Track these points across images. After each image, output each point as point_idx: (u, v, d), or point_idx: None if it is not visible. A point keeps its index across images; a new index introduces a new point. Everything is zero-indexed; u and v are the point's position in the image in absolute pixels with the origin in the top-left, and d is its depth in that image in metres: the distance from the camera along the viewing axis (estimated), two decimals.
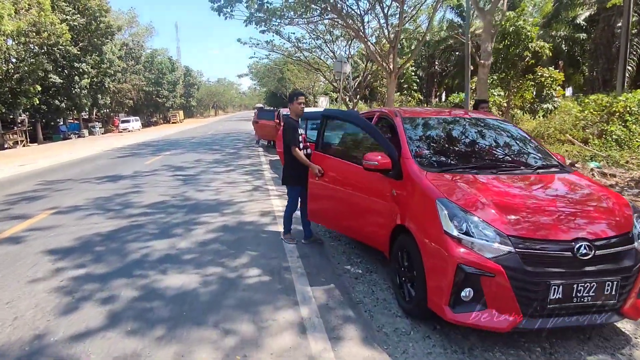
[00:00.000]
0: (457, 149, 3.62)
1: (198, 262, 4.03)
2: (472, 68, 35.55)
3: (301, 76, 40.09)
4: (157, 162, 12.18)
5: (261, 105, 67.04)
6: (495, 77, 16.68)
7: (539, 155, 3.54)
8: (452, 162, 3.37)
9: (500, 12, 13.45)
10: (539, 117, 14.85)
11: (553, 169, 3.30)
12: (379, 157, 3.27)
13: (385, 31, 18.19)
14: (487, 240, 2.45)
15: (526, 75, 15.05)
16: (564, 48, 26.05)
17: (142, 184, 8.45)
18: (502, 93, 18.48)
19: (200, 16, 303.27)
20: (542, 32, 26.68)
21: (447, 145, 3.64)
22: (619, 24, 21.97)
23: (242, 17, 16.90)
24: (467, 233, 2.50)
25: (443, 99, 40.81)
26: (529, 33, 14.57)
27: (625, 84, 21.60)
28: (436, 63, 38.64)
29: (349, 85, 26.00)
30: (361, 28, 18.09)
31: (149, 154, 14.79)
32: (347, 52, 25.63)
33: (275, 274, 3.70)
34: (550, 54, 16.94)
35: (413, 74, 29.35)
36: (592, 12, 24.31)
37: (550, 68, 14.89)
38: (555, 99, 14.32)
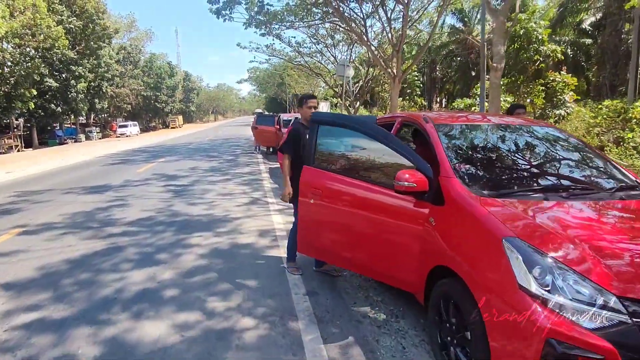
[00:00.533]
0: (510, 164, 2.85)
1: (181, 301, 3.24)
2: (473, 73, 34.61)
3: (301, 81, 39.49)
4: (150, 170, 11.40)
5: (260, 110, 66.55)
6: (504, 81, 16.00)
7: (611, 172, 2.78)
8: (508, 182, 2.61)
9: (512, 14, 12.76)
10: (551, 123, 14.15)
11: (636, 191, 2.54)
12: (413, 175, 2.52)
13: (389, 35, 17.56)
14: (587, 303, 1.68)
15: (536, 80, 14.37)
16: (569, 53, 25.46)
17: (129, 195, 7.65)
18: (509, 99, 17.81)
19: (201, 22, 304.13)
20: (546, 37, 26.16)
21: (497, 161, 2.87)
22: (626, 29, 21.42)
23: (241, 19, 16.27)
24: (553, 290, 1.74)
25: (443, 105, 40.23)
26: (540, 36, 13.91)
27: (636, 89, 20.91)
28: (437, 69, 38.12)
29: (349, 90, 25.34)
30: (364, 32, 17.44)
31: (143, 160, 14.01)
32: (349, 57, 25.00)
33: (278, 322, 2.91)
34: (562, 58, 16.28)
35: (416, 78, 28.68)
36: (598, 17, 23.78)
37: (562, 72, 14.17)
38: (568, 104, 13.60)
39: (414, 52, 29.70)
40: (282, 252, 4.38)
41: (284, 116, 14.16)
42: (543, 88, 14.10)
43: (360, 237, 3.04)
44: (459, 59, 35.08)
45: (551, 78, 13.74)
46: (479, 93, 22.10)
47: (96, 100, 37.76)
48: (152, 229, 5.35)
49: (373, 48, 16.79)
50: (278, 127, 13.54)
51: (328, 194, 3.19)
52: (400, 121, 3.68)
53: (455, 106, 21.83)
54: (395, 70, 15.40)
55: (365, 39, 16.87)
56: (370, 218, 2.94)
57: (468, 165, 2.76)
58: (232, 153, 16.14)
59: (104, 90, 38.23)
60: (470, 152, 2.88)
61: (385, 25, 17.13)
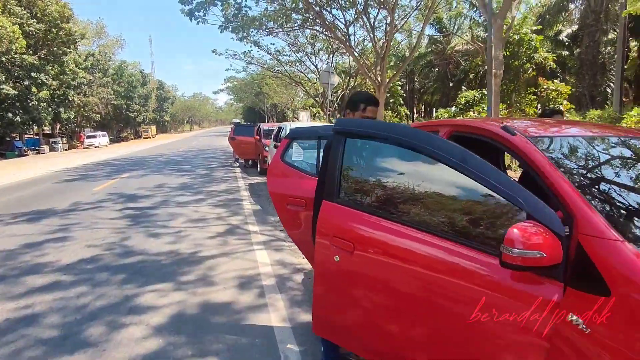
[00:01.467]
0: None
1: None
2: (451, 84, 34.35)
3: (279, 91, 38.29)
4: (109, 188, 9.75)
5: (238, 120, 64.70)
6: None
7: None
8: None
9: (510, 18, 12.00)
10: None
11: None
12: (537, 236, 1.27)
13: (370, 43, 16.72)
14: None
15: (528, 88, 13.70)
16: (546, 65, 25.41)
17: (75, 224, 6.08)
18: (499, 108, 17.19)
19: (175, 31, 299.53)
20: None
21: None
22: (605, 39, 21.41)
23: (217, 21, 14.92)
24: None
25: (422, 115, 39.90)
26: (532, 42, 13.26)
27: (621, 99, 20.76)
28: (415, 79, 37.81)
29: (329, 99, 24.29)
30: (347, 39, 16.45)
31: (104, 176, 12.27)
32: (330, 65, 24.01)
33: None
34: (555, 66, 15.77)
35: (399, 87, 27.98)
36: (574, 29, 23.83)
37: (555, 81, 13.54)
38: (565, 113, 12.92)
39: (392, 63, 29.05)
40: (273, 317, 3.03)
41: (265, 126, 12.82)
42: (535, 97, 13.44)
43: (419, 327, 1.75)
44: (437, 69, 34.88)
45: (544, 86, 13.07)
46: (462, 103, 21.49)
47: (61, 110, 35.22)
48: (91, 279, 3.87)
49: (356, 55, 15.77)
50: (258, 137, 12.17)
51: (364, 247, 1.90)
52: (450, 131, 2.41)
53: (440, 116, 21.11)
54: (380, 78, 14.44)
55: (349, 46, 15.87)
56: (434, 302, 1.65)
57: (616, 210, 1.54)
58: (206, 166, 14.59)
59: (70, 99, 35.73)
60: (611, 188, 1.65)
61: (369, 32, 16.25)
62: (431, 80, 37.14)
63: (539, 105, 13.19)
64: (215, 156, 19.42)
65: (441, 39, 32.56)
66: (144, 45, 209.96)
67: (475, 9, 27.47)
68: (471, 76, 32.57)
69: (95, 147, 38.10)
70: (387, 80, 15.54)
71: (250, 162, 13.99)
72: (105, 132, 42.15)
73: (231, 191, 8.96)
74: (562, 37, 23.95)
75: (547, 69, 16.59)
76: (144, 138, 53.36)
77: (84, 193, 9.02)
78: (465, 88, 34.37)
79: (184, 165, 15.03)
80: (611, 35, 21.59)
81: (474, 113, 17.89)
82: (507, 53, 14.01)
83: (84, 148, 37.82)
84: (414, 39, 31.94)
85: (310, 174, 2.89)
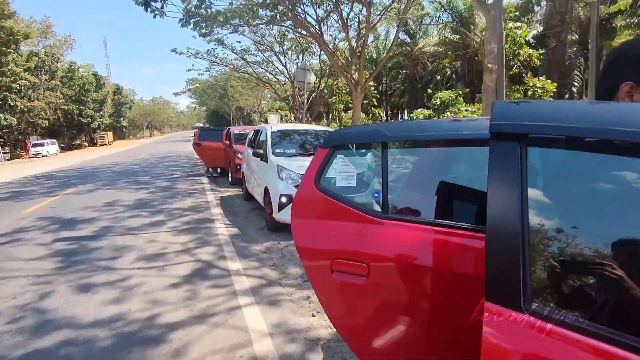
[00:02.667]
0: None
1: None
2: (419, 86, 33.99)
3: (245, 93, 36.34)
4: (44, 209, 7.75)
5: (201, 124, 61.53)
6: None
7: None
8: None
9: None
10: None
11: None
12: None
13: (342, 42, 15.59)
14: None
15: (512, 86, 12.99)
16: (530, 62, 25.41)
17: None
18: (472, 107, 16.53)
19: (132, 33, 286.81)
20: None
21: None
22: (570, 39, 21.50)
23: (176, 14, 13.14)
24: None
25: (389, 117, 39.36)
26: (518, 38, 12.54)
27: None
28: (383, 81, 37.23)
29: (299, 101, 22.87)
30: (320, 35, 15.15)
31: (43, 193, 10.12)
32: (306, 62, 22.61)
33: None
34: (539, 63, 15.24)
35: (372, 88, 27.02)
36: (539, 30, 23.91)
37: (541, 78, 12.89)
38: None
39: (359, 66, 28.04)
40: None
41: (235, 129, 11.15)
42: (520, 95, 12.74)
43: None
44: (404, 71, 34.43)
45: (530, 84, 12.37)
46: (438, 104, 20.75)
47: (1, 116, 31.39)
48: None
49: (330, 53, 14.47)
50: (228, 142, 10.51)
51: None
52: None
53: (414, 117, 20.28)
54: (356, 78, 13.29)
55: (323, 42, 14.57)
56: None
57: None
58: (168, 177, 12.66)
59: (12, 104, 31.94)
60: None
61: (342, 30, 15.04)
62: (399, 82, 36.72)
63: None
64: (178, 164, 17.39)
65: (408, 40, 32.11)
66: (98, 48, 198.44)
67: (443, 9, 27.13)
68: (438, 77, 32.39)
69: (43, 156, 34.37)
70: (365, 79, 14.36)
71: (218, 170, 12.25)
72: (54, 140, 38.29)
73: (199, 208, 7.29)
74: (529, 37, 23.93)
75: (532, 66, 16.09)
76: (100, 145, 49.29)
77: (9, 217, 7.00)
78: (431, 90, 34.29)
79: (142, 176, 13.00)
80: (573, 37, 21.77)
81: (450, 113, 17.09)
82: None
83: (29, 158, 34.01)
84: (386, 40, 31.29)
85: (374, 214, 1.47)
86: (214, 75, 34.17)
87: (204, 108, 58.65)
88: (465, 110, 16.63)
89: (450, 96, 19.22)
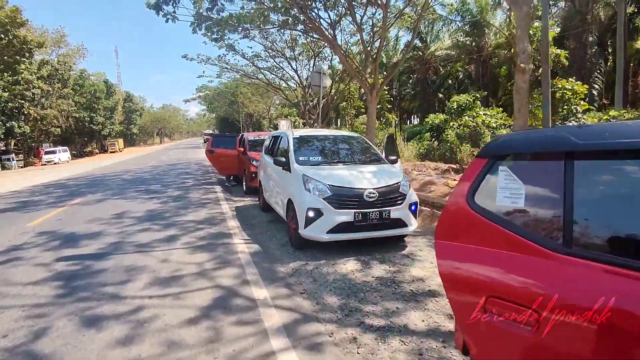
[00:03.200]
0: None
1: None
2: (431, 90, 33.26)
3: (255, 99, 36.01)
4: (49, 221, 7.25)
5: (211, 131, 61.33)
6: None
7: None
8: None
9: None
10: None
11: None
12: None
13: (354, 46, 15.11)
14: None
15: (538, 88, 12.27)
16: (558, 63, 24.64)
17: None
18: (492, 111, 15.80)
19: (143, 42, 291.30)
20: (503, 51, 25.22)
21: None
22: (590, 40, 20.70)
23: (187, 18, 12.79)
24: None
25: (402, 122, 38.66)
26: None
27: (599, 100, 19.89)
28: (394, 86, 36.63)
29: (309, 106, 22.34)
30: (334, 39, 14.68)
31: (50, 203, 9.67)
32: (321, 65, 22.13)
33: None
34: (567, 63, 14.50)
35: (386, 92, 26.42)
36: (557, 32, 23.14)
37: (571, 79, 12.15)
38: (580, 115, 11.51)
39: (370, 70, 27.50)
40: None
41: (249, 135, 10.62)
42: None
43: None
44: (416, 75, 33.81)
45: (559, 85, 11.64)
46: (455, 107, 20.06)
47: (14, 123, 31.39)
48: None
49: (344, 56, 13.92)
50: (242, 149, 9.98)
51: None
52: None
53: (429, 121, 19.63)
54: (371, 81, 12.75)
55: (337, 45, 14.09)
56: None
57: None
58: (180, 185, 12.16)
59: (25, 112, 31.95)
60: None
61: (355, 33, 14.51)
62: (409, 87, 36.09)
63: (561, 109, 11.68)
64: (190, 171, 16.92)
65: (419, 44, 31.48)
66: (109, 57, 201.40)
67: (456, 12, 26.49)
68: (449, 82, 31.68)
69: (55, 163, 34.37)
70: (381, 83, 13.78)
71: (231, 177, 11.72)
72: (66, 147, 38.30)
73: (214, 221, 6.72)
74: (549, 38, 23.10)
75: (559, 67, 15.32)
76: (111, 152, 49.40)
77: (11, 230, 6.50)
78: (442, 95, 33.61)
79: (153, 184, 12.53)
80: (592, 37, 20.97)
81: (468, 118, 16.34)
82: (515, 50, 12.56)
83: (42, 165, 34.02)
84: (397, 44, 30.71)
85: (551, 245, 0.88)
86: (224, 82, 33.93)
87: (214, 115, 58.59)
88: (484, 114, 15.91)
89: (467, 100, 18.54)
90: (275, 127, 32.93)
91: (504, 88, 25.64)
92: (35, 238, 5.90)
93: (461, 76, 31.04)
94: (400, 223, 4.68)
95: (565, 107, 11.74)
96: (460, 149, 12.66)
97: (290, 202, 5.07)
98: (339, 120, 30.07)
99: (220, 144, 11.06)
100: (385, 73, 32.43)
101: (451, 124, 16.60)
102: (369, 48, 14.23)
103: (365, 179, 4.78)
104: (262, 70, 21.79)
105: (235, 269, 4.27)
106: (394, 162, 5.68)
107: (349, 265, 4.27)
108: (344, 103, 24.66)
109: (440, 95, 32.35)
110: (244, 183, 9.81)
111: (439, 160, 13.14)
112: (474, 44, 26.98)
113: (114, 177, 15.66)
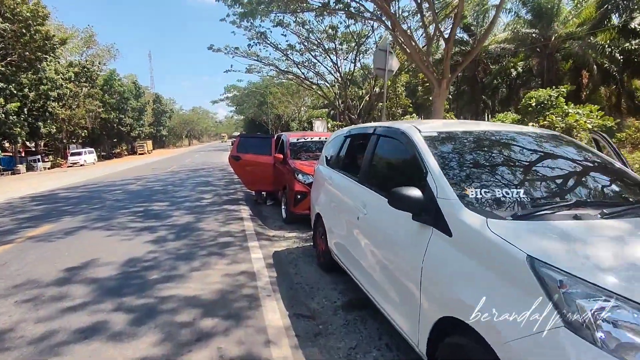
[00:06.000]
0: None
1: None
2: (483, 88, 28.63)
3: (285, 100, 32.87)
4: None
5: (237, 133, 58.73)
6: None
7: None
8: None
9: None
10: None
11: None
12: None
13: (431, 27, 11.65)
14: None
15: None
16: (599, 61, 20.15)
17: None
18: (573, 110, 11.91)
19: (173, 46, 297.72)
20: (576, 42, 20.88)
21: None
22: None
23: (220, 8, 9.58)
24: None
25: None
26: None
27: None
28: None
29: (347, 105, 18.84)
30: (397, 19, 11.18)
31: (2, 232, 6.55)
32: (353, 68, 18.61)
33: None
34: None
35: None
36: None
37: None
38: None
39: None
40: None
41: (291, 137, 7.19)
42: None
43: None
44: (464, 72, 29.64)
45: None
46: (533, 105, 16.28)
47: (40, 124, 29.49)
48: None
49: (405, 41, 10.23)
50: (281, 156, 6.57)
51: None
52: None
53: (504, 120, 15.75)
54: (442, 71, 9.11)
55: (400, 27, 10.57)
56: None
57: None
58: (194, 203, 8.81)
59: (51, 112, 30.01)
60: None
61: (419, 13, 10.98)
62: (454, 84, 31.88)
63: None
64: (211, 181, 13.69)
65: (469, 39, 27.34)
66: (143, 61, 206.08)
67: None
68: (499, 79, 27.44)
69: (81, 165, 32.39)
70: (451, 73, 10.06)
71: (264, 194, 8.34)
72: (92, 149, 36.46)
73: (236, 301, 3.25)
74: (635, 24, 18.58)
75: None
76: (140, 154, 47.61)
77: None
78: (484, 97, 29.34)
79: (159, 200, 9.24)
80: None
81: (556, 117, 12.25)
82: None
83: (67, 166, 32.14)
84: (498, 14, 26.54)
85: None
86: (253, 82, 30.98)
87: (242, 117, 56.10)
88: (577, 113, 11.87)
89: (550, 95, 14.57)
90: (304, 130, 29.34)
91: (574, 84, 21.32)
92: None
93: (514, 73, 26.56)
94: None
95: None
96: None
97: (440, 322, 1.55)
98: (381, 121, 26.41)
99: (249, 148, 7.59)
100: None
101: (530, 124, 12.66)
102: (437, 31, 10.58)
103: None
104: (296, 63, 18.45)
105: None
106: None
107: None
108: (381, 104, 20.92)
109: (484, 97, 28.28)
110: (283, 206, 6.37)
111: None
112: (538, 35, 22.64)
113: (120, 186, 12.63)
